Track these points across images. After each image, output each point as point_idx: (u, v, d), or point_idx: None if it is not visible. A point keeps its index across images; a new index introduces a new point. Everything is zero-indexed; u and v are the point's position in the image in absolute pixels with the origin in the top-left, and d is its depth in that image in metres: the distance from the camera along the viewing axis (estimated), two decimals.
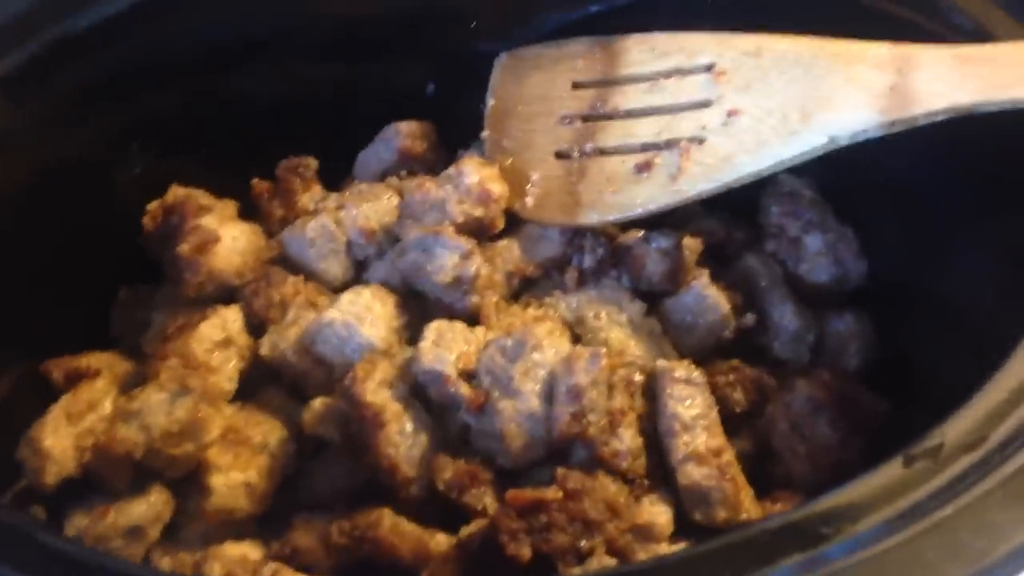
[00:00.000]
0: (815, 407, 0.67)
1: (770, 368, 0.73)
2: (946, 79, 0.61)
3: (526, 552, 0.57)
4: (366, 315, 0.69)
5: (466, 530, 0.60)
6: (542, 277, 0.76)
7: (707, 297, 0.72)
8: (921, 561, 0.41)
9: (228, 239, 0.73)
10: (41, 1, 0.73)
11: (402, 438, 0.63)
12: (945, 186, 0.74)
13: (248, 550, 0.63)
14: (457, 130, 0.84)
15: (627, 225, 0.76)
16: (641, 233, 0.74)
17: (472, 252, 0.69)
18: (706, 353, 0.73)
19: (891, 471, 0.46)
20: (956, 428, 0.47)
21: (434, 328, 0.67)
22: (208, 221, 0.73)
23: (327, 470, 0.68)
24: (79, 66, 0.75)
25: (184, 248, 0.71)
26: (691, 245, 0.74)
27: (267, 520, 0.67)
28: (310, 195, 0.83)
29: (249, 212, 0.83)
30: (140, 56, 0.78)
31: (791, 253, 0.79)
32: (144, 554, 0.64)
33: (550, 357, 0.64)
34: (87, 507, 0.63)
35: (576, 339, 0.71)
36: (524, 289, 0.76)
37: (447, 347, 0.65)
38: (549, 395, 0.63)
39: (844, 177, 0.79)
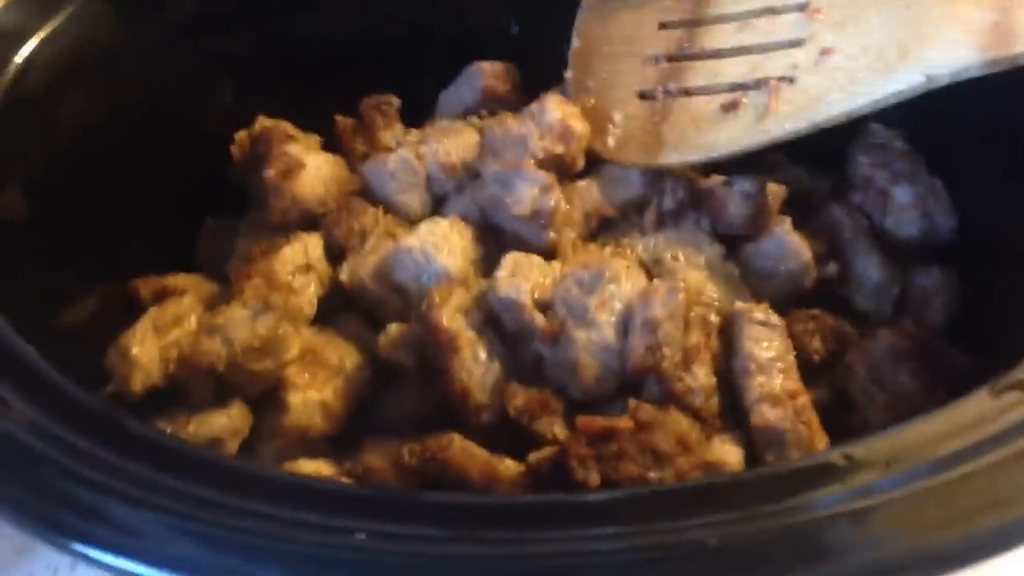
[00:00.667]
0: (896, 356, 0.65)
1: (851, 320, 0.72)
2: None
3: (595, 479, 0.57)
4: (444, 244, 0.69)
5: (535, 455, 0.60)
6: (621, 219, 0.75)
7: (789, 243, 0.71)
8: (1010, 483, 0.40)
9: (312, 167, 0.74)
10: None
11: (475, 364, 0.63)
12: None
13: (322, 467, 0.65)
14: (541, 72, 0.84)
15: (709, 169, 0.75)
16: (724, 177, 0.73)
17: (552, 185, 0.69)
18: (785, 301, 0.72)
19: (979, 401, 0.45)
20: None
21: (511, 259, 0.67)
22: (294, 149, 0.74)
23: (400, 396, 0.69)
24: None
25: (270, 173, 0.73)
26: (775, 190, 0.73)
27: (340, 442, 0.68)
28: (392, 132, 0.84)
29: (332, 148, 0.84)
30: None
31: (878, 205, 0.77)
32: None
33: (627, 290, 0.64)
34: (169, 417, 0.65)
35: (653, 279, 0.71)
36: (602, 230, 0.75)
37: (523, 277, 0.66)
38: (624, 328, 0.63)
39: (937, 130, 0.77)
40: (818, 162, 0.81)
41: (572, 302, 0.64)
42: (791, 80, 0.69)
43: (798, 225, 0.74)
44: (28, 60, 0.70)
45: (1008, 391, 0.45)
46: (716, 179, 0.73)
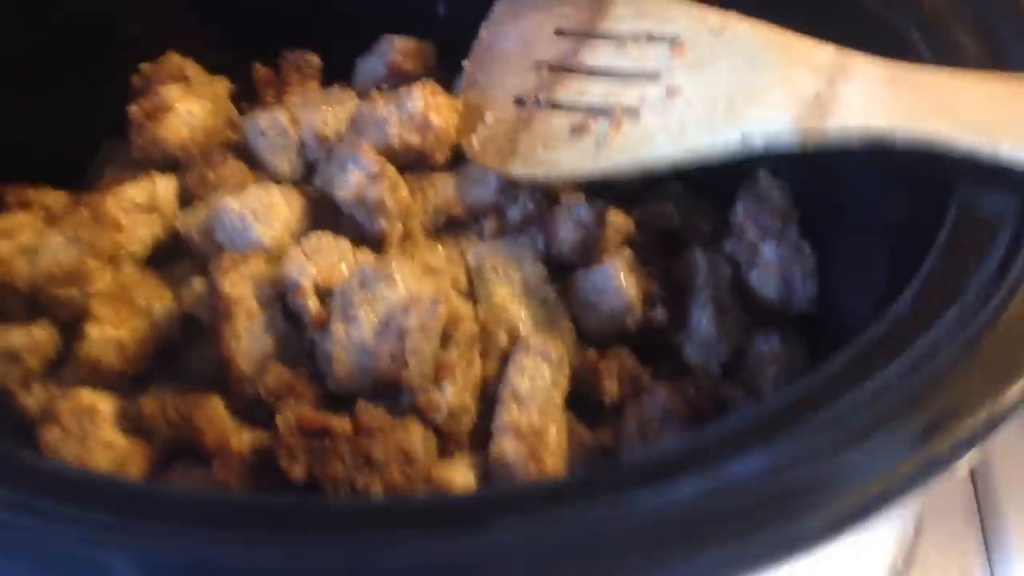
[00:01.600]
0: (667, 415, 0.63)
1: (673, 372, 0.69)
2: (868, 96, 0.55)
3: (298, 472, 0.57)
4: (266, 213, 0.70)
5: (259, 436, 0.61)
6: (469, 220, 0.74)
7: (613, 279, 0.69)
8: None
9: (183, 111, 0.76)
10: None
11: (246, 334, 0.64)
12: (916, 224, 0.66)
13: (99, 400, 0.67)
14: (462, 55, 0.83)
15: (577, 186, 0.73)
16: (571, 198, 0.71)
17: (380, 176, 0.69)
18: (606, 336, 0.70)
19: None
20: None
21: (313, 238, 0.67)
22: (169, 91, 0.76)
23: (201, 352, 0.70)
24: None
25: (135, 110, 0.75)
26: (617, 223, 0.71)
27: (137, 382, 0.70)
28: (304, 92, 0.84)
29: (248, 95, 0.86)
30: None
31: (746, 258, 0.74)
32: (22, 379, 0.69)
33: (397, 294, 0.63)
34: None
35: (469, 289, 0.70)
36: (449, 227, 0.75)
37: (316, 260, 0.66)
38: (384, 331, 0.63)
39: (819, 188, 0.72)
40: (718, 199, 0.78)
41: (347, 295, 0.64)
42: (636, 114, 0.66)
43: (652, 262, 0.72)
44: None
45: None
46: (564, 198, 0.72)
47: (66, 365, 0.70)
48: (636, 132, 0.65)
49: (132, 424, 0.66)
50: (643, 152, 0.64)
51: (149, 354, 0.70)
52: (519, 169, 0.71)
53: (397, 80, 0.83)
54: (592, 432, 0.66)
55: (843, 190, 0.72)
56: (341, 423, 0.58)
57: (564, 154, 0.69)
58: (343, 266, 0.67)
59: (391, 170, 0.70)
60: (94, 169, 0.85)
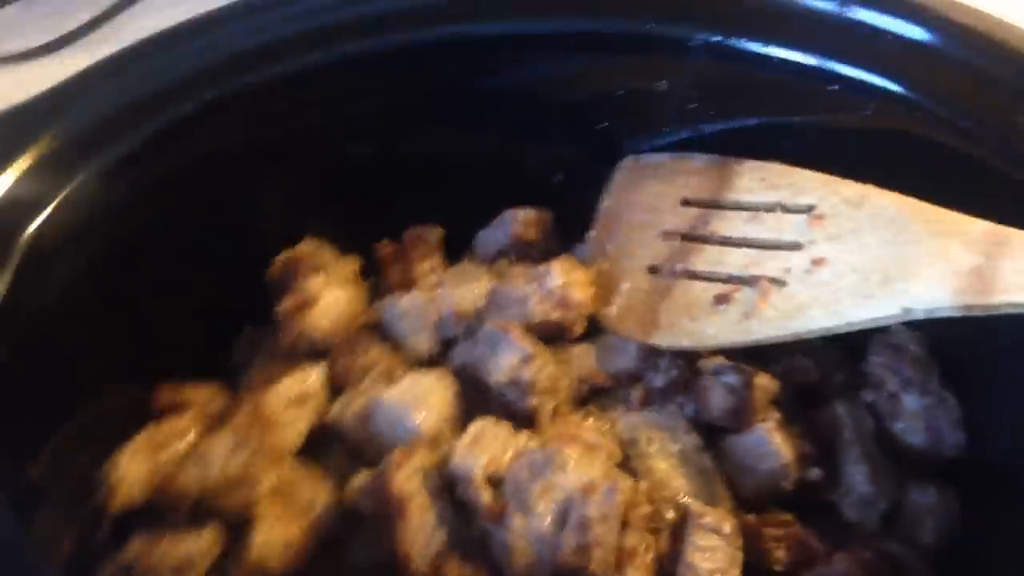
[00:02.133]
0: None
1: (834, 529, 0.70)
2: None
3: None
4: (422, 401, 0.72)
5: None
6: (613, 388, 0.76)
7: (769, 443, 0.70)
8: None
9: (325, 303, 0.79)
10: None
11: (421, 531, 0.65)
12: None
13: None
14: (578, 223, 0.86)
15: (713, 352, 0.74)
16: (715, 363, 0.73)
17: (533, 356, 0.71)
18: (763, 499, 0.70)
19: None
20: None
21: (477, 427, 0.69)
22: (312, 284, 0.79)
23: (367, 541, 0.71)
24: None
25: (283, 305, 0.78)
26: (764, 385, 0.72)
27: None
28: (429, 264, 0.87)
29: (372, 270, 0.89)
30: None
31: (888, 408, 0.75)
32: None
33: (572, 480, 0.64)
34: (150, 532, 0.70)
35: (626, 460, 0.71)
36: (593, 397, 0.76)
37: (482, 449, 0.67)
38: (563, 518, 0.64)
39: (961, 339, 0.73)
40: (844, 350, 0.79)
41: (519, 484, 0.65)
42: (782, 284, 0.68)
43: (796, 418, 0.73)
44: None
45: None
46: (709, 363, 0.73)
47: (232, 565, 0.72)
48: (786, 303, 0.67)
49: None
50: (796, 323, 0.66)
51: (311, 550, 0.72)
52: (663, 339, 0.73)
53: (519, 249, 0.86)
54: None
55: (986, 341, 0.73)
56: None
57: (710, 325, 0.70)
58: (506, 453, 0.68)
59: (541, 350, 0.72)
60: (237, 355, 0.87)
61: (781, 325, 0.66)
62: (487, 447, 0.68)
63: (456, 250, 0.90)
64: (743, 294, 0.70)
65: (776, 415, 0.72)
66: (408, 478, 0.67)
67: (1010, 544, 0.68)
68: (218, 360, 0.87)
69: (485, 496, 0.66)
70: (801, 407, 0.75)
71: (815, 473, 0.70)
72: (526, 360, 0.71)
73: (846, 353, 0.79)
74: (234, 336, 0.89)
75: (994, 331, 0.71)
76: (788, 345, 0.78)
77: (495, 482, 0.67)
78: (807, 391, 0.77)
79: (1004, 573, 0.66)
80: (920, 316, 0.60)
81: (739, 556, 0.64)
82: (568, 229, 0.87)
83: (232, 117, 0.84)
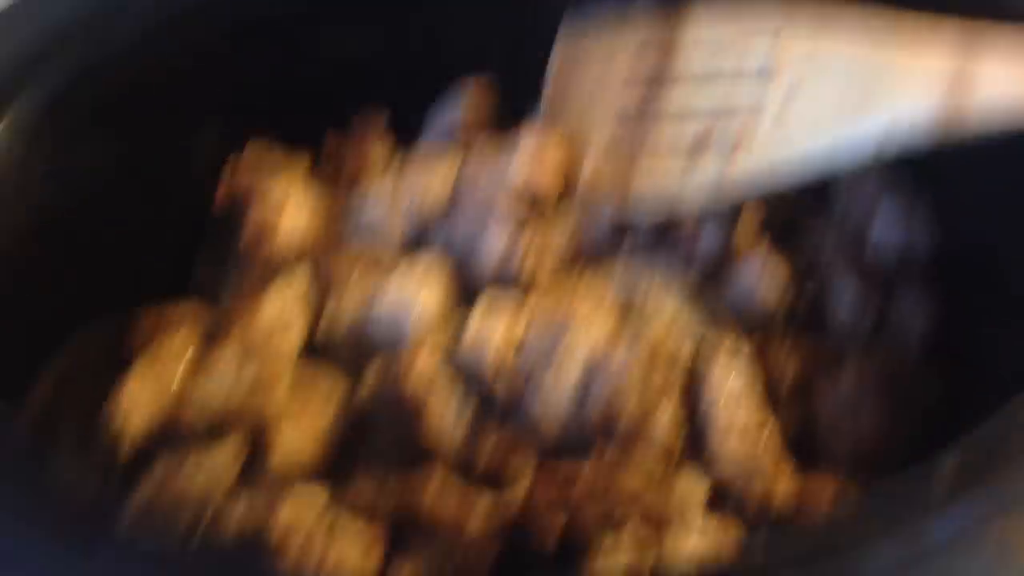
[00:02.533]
0: (865, 385, 0.67)
1: (827, 340, 0.73)
2: (1010, 69, 0.58)
3: (559, 522, 0.60)
4: (417, 288, 0.71)
5: (500, 499, 0.63)
6: (598, 247, 0.77)
7: (764, 267, 0.72)
8: None
9: (290, 215, 0.76)
10: None
11: (444, 423, 0.65)
12: None
13: (317, 494, 0.67)
14: (525, 88, 0.85)
15: None
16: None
17: (522, 225, 0.71)
18: (761, 324, 0.73)
19: None
20: None
21: (483, 304, 0.69)
22: (271, 196, 0.77)
23: (380, 437, 0.71)
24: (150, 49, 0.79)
25: (246, 237, 0.76)
26: (750, 212, 0.74)
27: (333, 465, 0.71)
28: (381, 150, 0.85)
29: (320, 165, 0.86)
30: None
31: (862, 216, 0.78)
32: (224, 497, 0.69)
33: (591, 337, 0.65)
34: (172, 450, 0.68)
35: (627, 310, 0.72)
36: (579, 256, 0.77)
37: (491, 324, 0.67)
38: (588, 376, 0.65)
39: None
40: None
41: (537, 350, 0.66)
42: (751, 138, 0.69)
43: (775, 244, 0.75)
44: None
45: None
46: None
47: (256, 471, 0.71)
48: (753, 158, 0.68)
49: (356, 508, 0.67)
50: (771, 170, 0.67)
51: (338, 442, 0.71)
52: (637, 208, 0.73)
53: (475, 122, 0.85)
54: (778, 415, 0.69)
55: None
56: (588, 467, 0.61)
57: (682, 186, 0.71)
58: (516, 325, 0.68)
59: (527, 218, 0.72)
60: (203, 270, 0.84)
61: (755, 174, 0.68)
62: (496, 321, 0.68)
63: (403, 137, 0.88)
64: (711, 157, 0.71)
65: (764, 240, 0.74)
66: (419, 375, 0.66)
67: (992, 335, 0.72)
68: (186, 282, 0.85)
69: (503, 369, 0.66)
70: (778, 229, 0.78)
71: (808, 289, 0.73)
72: (516, 230, 0.71)
73: None
74: (195, 254, 0.85)
75: None
76: None
77: (511, 354, 0.67)
78: (778, 215, 0.79)
79: (990, 363, 0.70)
80: (903, 133, 0.62)
81: (759, 373, 0.67)
82: (516, 102, 0.87)
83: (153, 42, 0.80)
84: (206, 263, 0.84)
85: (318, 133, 0.87)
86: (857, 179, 0.78)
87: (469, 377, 0.68)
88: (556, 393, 0.65)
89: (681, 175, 0.71)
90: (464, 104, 0.85)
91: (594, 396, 0.63)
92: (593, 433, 0.64)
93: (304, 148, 0.86)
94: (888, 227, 0.76)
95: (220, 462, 0.68)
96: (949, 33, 0.62)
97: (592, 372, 0.64)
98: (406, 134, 0.87)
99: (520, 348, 0.67)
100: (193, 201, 0.83)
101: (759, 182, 0.68)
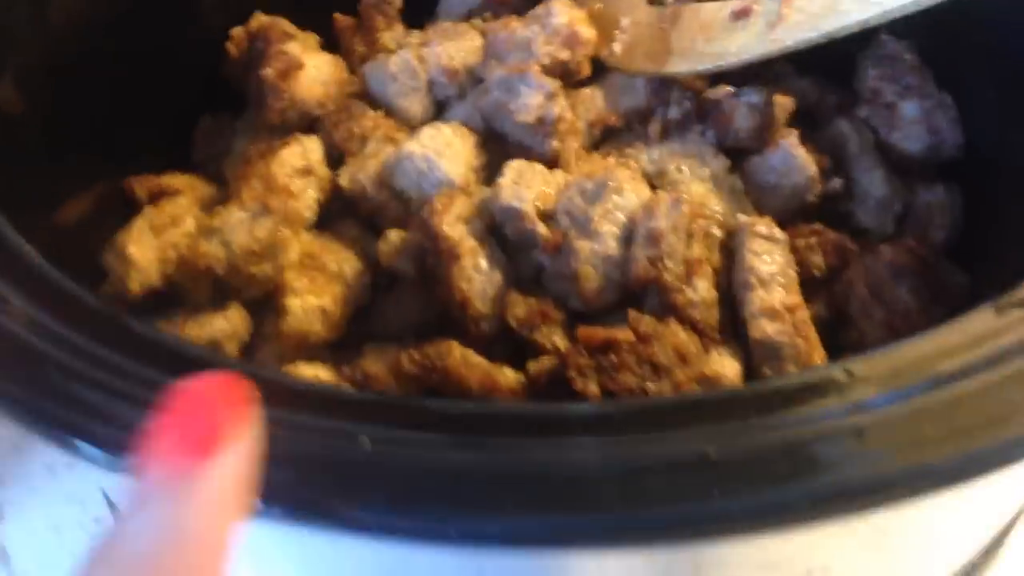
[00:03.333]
0: (896, 272, 0.65)
1: (853, 235, 0.72)
2: None
3: (594, 389, 0.57)
4: (446, 150, 0.68)
5: (535, 365, 0.60)
6: (625, 129, 0.74)
7: (795, 157, 0.70)
8: (1009, 401, 0.40)
9: (312, 67, 0.73)
10: None
11: (476, 273, 0.63)
12: None
13: (320, 372, 0.65)
14: None
15: (716, 80, 0.73)
16: (731, 88, 0.72)
17: (557, 93, 0.68)
18: (789, 215, 0.71)
19: (981, 318, 0.45)
20: None
21: (514, 167, 0.66)
22: (292, 48, 0.72)
23: (400, 304, 0.68)
24: None
25: (268, 72, 0.71)
26: (782, 103, 0.72)
27: (339, 348, 0.68)
28: (392, 33, 0.81)
29: (330, 48, 0.82)
30: None
31: (885, 119, 0.76)
32: None
33: (631, 201, 0.63)
34: (167, 319, 0.65)
35: (656, 191, 0.70)
36: (606, 139, 0.74)
37: (526, 185, 0.65)
38: (627, 239, 0.63)
39: (947, 41, 0.75)
40: (826, 73, 0.80)
41: (575, 212, 0.63)
42: None
43: (804, 139, 0.73)
44: None
45: (1011, 308, 0.45)
46: (723, 90, 0.72)
47: (260, 347, 0.68)
48: (812, 4, 0.66)
49: (364, 388, 0.64)
50: (829, 21, 0.65)
51: (348, 317, 0.68)
52: (681, 66, 0.71)
53: (495, 7, 0.81)
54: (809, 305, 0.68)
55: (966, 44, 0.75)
56: (624, 334, 0.58)
57: (731, 42, 0.69)
58: (548, 188, 0.66)
59: (560, 88, 0.69)
60: (198, 147, 0.80)
61: (811, 26, 0.66)
62: (530, 184, 0.65)
63: (416, 24, 0.84)
64: (763, 5, 0.69)
65: (794, 132, 0.72)
66: (452, 224, 0.63)
67: (1012, 231, 0.71)
68: (180, 157, 0.80)
69: (540, 228, 0.63)
70: (805, 128, 0.76)
71: (837, 182, 0.72)
72: (550, 97, 0.68)
73: (828, 77, 0.81)
74: (193, 129, 0.81)
75: (968, 34, 0.74)
76: (777, 71, 0.79)
77: (544, 217, 0.65)
78: (805, 113, 0.78)
79: (1011, 259, 0.69)
80: None
81: (792, 258, 0.65)
82: None
83: None
84: (204, 137, 0.80)
85: (322, 12, 0.83)
86: (882, 78, 0.76)
87: (500, 237, 0.65)
88: (595, 252, 0.62)
89: (726, 32, 0.69)
90: None
91: (634, 257, 0.61)
92: (625, 299, 0.62)
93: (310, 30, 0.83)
94: (908, 133, 0.75)
95: (222, 328, 0.64)
96: None
97: (634, 233, 0.61)
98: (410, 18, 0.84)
99: (552, 215, 0.64)
100: (196, 64, 0.79)
101: (804, 39, 0.66)
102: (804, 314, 0.63)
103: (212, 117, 0.80)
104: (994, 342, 0.43)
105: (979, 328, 0.45)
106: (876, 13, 0.63)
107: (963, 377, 0.43)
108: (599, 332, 0.58)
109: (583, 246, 0.62)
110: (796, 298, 0.63)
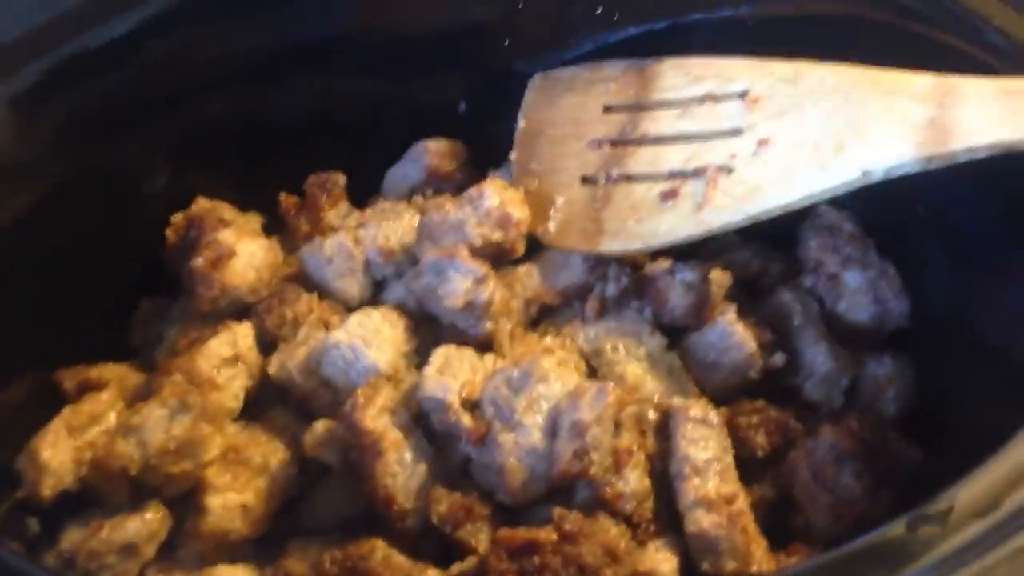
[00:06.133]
0: (840, 456, 0.63)
1: (799, 412, 0.69)
2: (989, 114, 0.57)
3: None
4: (373, 338, 0.67)
5: (457, 567, 0.58)
6: (562, 305, 0.73)
7: (733, 334, 0.69)
8: None
9: (245, 254, 0.72)
10: (60, 16, 0.73)
11: (400, 468, 0.61)
12: (992, 221, 0.70)
13: (240, 573, 0.62)
14: (489, 150, 0.82)
15: (655, 255, 0.73)
16: (667, 264, 0.71)
17: (486, 277, 0.67)
18: (730, 392, 0.69)
19: (894, 534, 0.42)
20: (969, 491, 0.43)
21: (441, 354, 0.65)
22: (226, 236, 0.72)
23: (329, 495, 0.66)
24: (100, 80, 0.74)
25: (199, 262, 0.71)
26: (718, 279, 0.71)
27: (265, 543, 0.66)
28: (336, 211, 0.82)
29: (275, 227, 0.82)
30: (166, 70, 0.77)
31: (829, 289, 0.75)
32: (138, 572, 0.63)
33: (556, 390, 0.62)
34: (83, 521, 0.63)
35: (592, 372, 0.68)
36: (543, 317, 0.73)
37: (452, 374, 0.63)
38: (553, 430, 0.61)
39: (886, 210, 0.75)
40: (771, 242, 0.79)
41: (500, 402, 0.62)
42: (729, 171, 0.67)
43: (745, 311, 0.72)
44: None
45: (925, 525, 0.42)
46: (659, 265, 0.71)
47: (182, 544, 0.65)
48: (738, 188, 0.66)
49: None
50: (752, 205, 0.65)
51: (273, 512, 0.66)
52: (613, 246, 0.71)
53: (436, 183, 0.82)
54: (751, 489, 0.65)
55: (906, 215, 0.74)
56: (546, 534, 0.56)
57: (660, 222, 0.69)
58: (476, 376, 0.64)
59: (490, 271, 0.69)
60: (135, 332, 0.79)
61: (736, 209, 0.66)
62: (457, 373, 0.64)
63: (363, 200, 0.85)
64: (690, 187, 0.69)
65: (733, 307, 0.71)
66: (376, 417, 0.62)
67: (968, 401, 0.69)
68: (117, 342, 0.79)
69: (465, 419, 0.62)
70: (747, 299, 0.75)
71: (779, 358, 0.70)
72: (479, 281, 0.67)
73: (775, 245, 0.80)
74: (130, 313, 0.80)
75: (912, 204, 0.74)
76: (721, 240, 0.78)
77: (470, 406, 0.63)
78: (748, 284, 0.77)
79: (968, 430, 0.67)
80: (879, 177, 0.60)
81: (729, 443, 0.63)
82: (479, 162, 0.84)
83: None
84: (142, 322, 0.79)
85: (269, 192, 0.83)
86: (822, 249, 0.75)
87: (425, 429, 0.63)
88: (519, 445, 0.60)
89: (656, 213, 0.69)
90: (426, 164, 0.82)
91: (558, 451, 0.59)
92: (555, 491, 0.59)
93: (253, 209, 0.83)
94: (853, 303, 0.74)
95: (138, 530, 0.62)
96: (924, 82, 0.61)
97: (558, 425, 0.60)
98: (356, 195, 0.84)
99: (478, 404, 0.63)
100: (134, 255, 0.79)
101: (730, 223, 0.66)
102: (742, 503, 0.60)
103: (151, 301, 0.80)
104: (905, 565, 0.41)
105: (891, 546, 0.42)
106: (796, 197, 0.63)
107: None
108: (519, 534, 0.56)
109: (507, 439, 0.60)
110: (733, 486, 0.61)
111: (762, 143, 0.66)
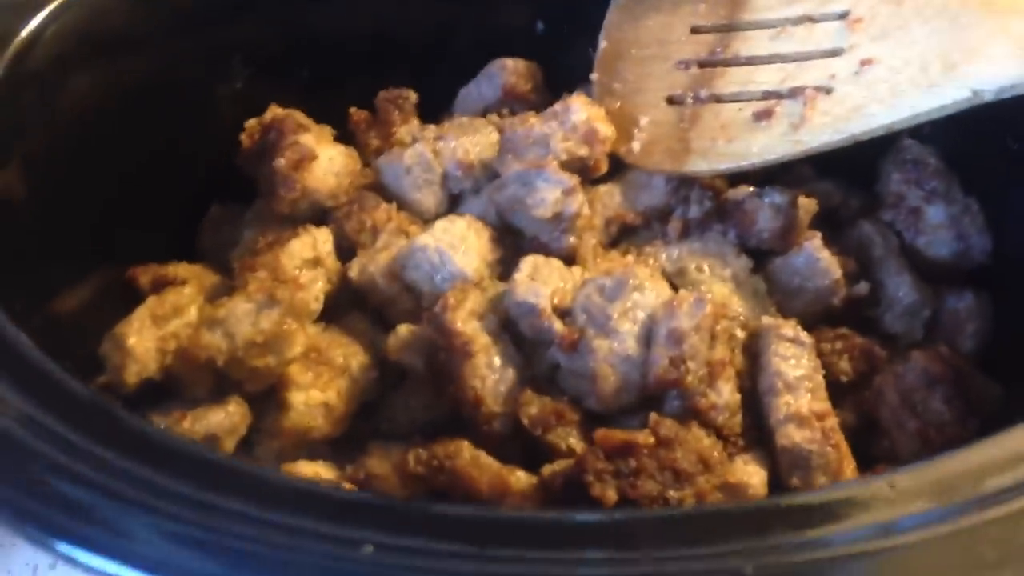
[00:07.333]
0: (930, 381, 0.62)
1: (880, 341, 0.69)
2: None
3: (611, 495, 0.54)
4: (460, 244, 0.66)
5: (549, 468, 0.57)
6: (643, 227, 0.72)
7: (819, 260, 0.68)
8: None
9: (325, 158, 0.71)
10: None
11: (489, 371, 0.60)
12: None
13: (321, 470, 0.61)
14: (565, 73, 0.81)
15: (736, 180, 0.72)
16: (752, 188, 0.70)
17: (575, 188, 0.66)
18: (811, 319, 0.68)
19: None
20: None
21: (530, 262, 0.64)
22: (306, 139, 0.71)
23: (407, 400, 0.66)
24: None
25: (281, 163, 0.70)
26: (806, 204, 0.70)
27: (343, 445, 0.65)
28: (407, 127, 0.81)
29: (345, 141, 0.81)
30: None
31: (910, 224, 0.75)
32: None
33: (651, 299, 0.61)
34: (164, 412, 0.62)
35: (675, 291, 0.68)
36: (623, 237, 0.73)
37: (543, 281, 0.63)
38: (647, 338, 0.60)
39: (972, 146, 0.74)
40: (848, 177, 0.78)
41: (593, 309, 0.61)
42: (828, 90, 0.66)
43: (827, 241, 0.71)
44: (34, 34, 0.67)
45: None
46: (745, 190, 0.71)
47: (259, 442, 0.64)
48: (838, 107, 0.65)
49: (367, 488, 0.60)
50: (854, 124, 0.64)
51: (353, 413, 0.65)
52: (701, 165, 0.70)
53: (511, 103, 0.81)
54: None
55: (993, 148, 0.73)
56: (644, 438, 0.55)
57: (752, 142, 0.68)
58: (566, 285, 0.64)
59: (579, 183, 0.68)
60: (204, 236, 0.78)
61: (837, 129, 0.65)
62: (547, 280, 0.63)
63: (431, 119, 0.83)
64: (786, 107, 0.68)
65: (818, 234, 0.70)
66: (466, 319, 0.61)
67: None
68: (185, 245, 0.78)
69: (557, 325, 0.61)
70: (828, 231, 0.74)
71: (863, 287, 0.69)
72: (568, 192, 0.66)
73: (850, 178, 0.79)
74: (201, 218, 0.79)
75: (1001, 136, 0.73)
76: (798, 174, 0.77)
77: (561, 314, 0.62)
78: (828, 217, 0.76)
79: None
80: (990, 97, 0.59)
81: (819, 363, 0.63)
82: (553, 86, 0.83)
83: None
84: (214, 225, 0.79)
85: (338, 108, 0.82)
86: (905, 183, 0.74)
87: (515, 334, 0.62)
88: (613, 352, 0.60)
89: (748, 133, 0.68)
90: (503, 83, 0.80)
91: (655, 358, 0.58)
92: (645, 401, 0.59)
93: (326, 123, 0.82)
94: (935, 239, 0.73)
95: (220, 423, 0.61)
96: None
97: (654, 333, 0.59)
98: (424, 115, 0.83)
99: (568, 312, 0.62)
100: (206, 154, 0.78)
101: (829, 143, 0.64)
102: (833, 421, 0.60)
103: (221, 207, 0.79)
104: None
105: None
106: (903, 117, 0.62)
107: (1013, 496, 0.40)
108: (618, 435, 0.55)
109: (601, 345, 0.59)
110: (825, 404, 0.60)
111: (865, 63, 0.65)
